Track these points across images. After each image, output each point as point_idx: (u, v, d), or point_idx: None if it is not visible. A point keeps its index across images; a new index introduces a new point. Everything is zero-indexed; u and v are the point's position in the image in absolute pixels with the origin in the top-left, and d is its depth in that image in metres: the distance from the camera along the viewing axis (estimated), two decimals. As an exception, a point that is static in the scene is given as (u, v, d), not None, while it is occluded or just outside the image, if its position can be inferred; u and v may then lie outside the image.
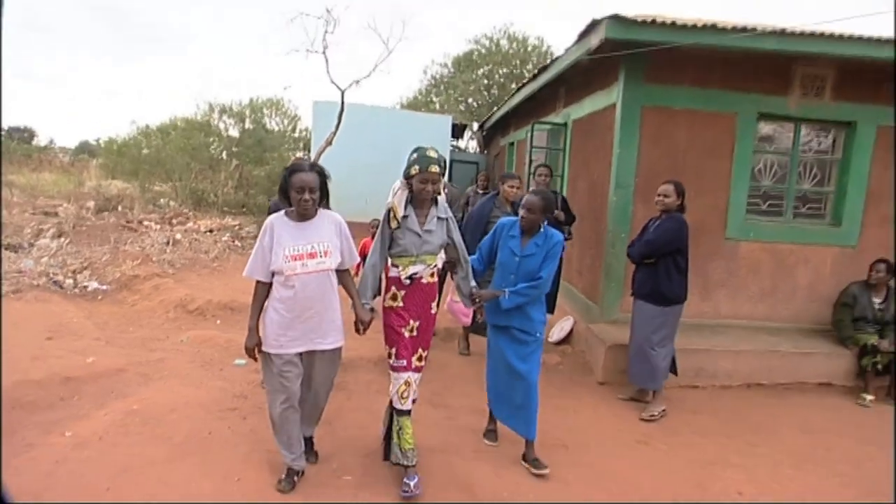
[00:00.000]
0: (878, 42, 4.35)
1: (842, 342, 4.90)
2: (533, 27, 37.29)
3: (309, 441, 3.04)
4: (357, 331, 2.89)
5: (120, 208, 11.38)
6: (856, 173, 5.08)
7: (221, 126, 14.45)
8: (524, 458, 3.23)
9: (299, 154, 14.87)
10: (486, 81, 18.11)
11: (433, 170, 2.74)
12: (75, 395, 3.63)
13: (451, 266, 3.14)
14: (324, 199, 2.73)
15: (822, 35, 4.33)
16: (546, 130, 7.31)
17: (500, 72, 17.93)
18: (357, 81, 9.58)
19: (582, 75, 5.76)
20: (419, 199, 2.84)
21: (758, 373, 4.74)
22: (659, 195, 4.06)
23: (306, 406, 2.89)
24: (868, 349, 4.64)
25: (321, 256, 2.66)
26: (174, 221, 10.15)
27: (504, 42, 18.07)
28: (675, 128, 4.91)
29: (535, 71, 6.89)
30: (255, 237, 2.78)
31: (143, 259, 7.16)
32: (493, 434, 3.49)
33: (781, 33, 4.24)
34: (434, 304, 3.01)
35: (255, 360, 2.78)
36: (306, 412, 2.91)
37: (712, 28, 4.18)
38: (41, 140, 30.74)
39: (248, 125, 14.56)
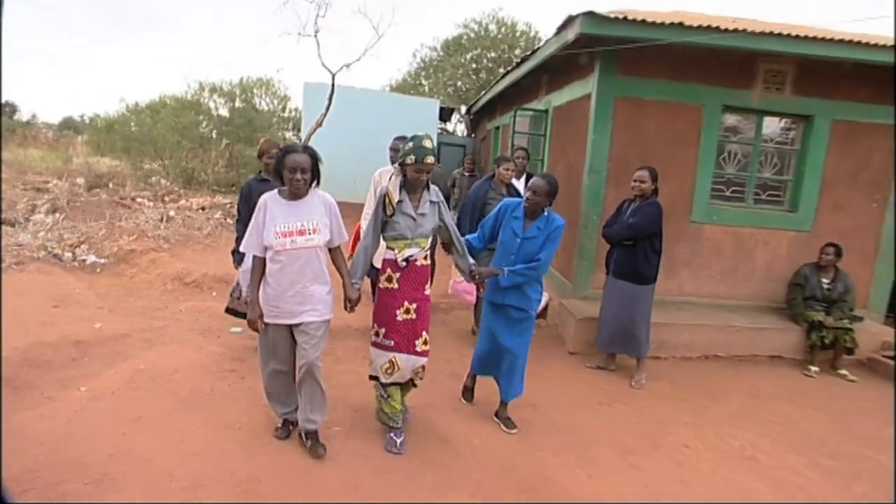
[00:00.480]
0: (833, 42, 4.69)
1: (793, 319, 5.32)
2: (524, 14, 37.14)
3: (314, 434, 3.03)
4: (345, 307, 3.03)
5: (111, 185, 11.50)
6: (812, 164, 5.45)
7: (211, 105, 14.51)
8: (496, 414, 3.58)
9: (288, 135, 15.01)
10: (474, 65, 18.19)
11: (428, 160, 2.88)
12: (85, 357, 3.92)
13: (446, 248, 3.32)
14: (315, 180, 2.89)
15: (780, 35, 4.64)
16: (528, 116, 7.60)
17: (489, 56, 18.00)
18: (347, 65, 9.80)
19: (562, 65, 6.02)
20: (412, 185, 3.00)
21: (715, 345, 5.14)
22: (635, 181, 4.29)
23: (303, 385, 2.94)
24: (815, 325, 5.06)
25: (310, 234, 2.79)
26: (167, 199, 10.32)
27: (493, 27, 18.15)
28: (645, 118, 5.22)
29: (519, 59, 7.16)
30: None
31: (138, 234, 7.39)
32: (470, 393, 3.84)
33: (743, 32, 4.55)
34: (427, 287, 3.16)
35: (258, 331, 2.91)
36: (305, 395, 2.95)
37: (679, 26, 4.49)
38: (23, 115, 30.32)
39: (238, 104, 14.64)
